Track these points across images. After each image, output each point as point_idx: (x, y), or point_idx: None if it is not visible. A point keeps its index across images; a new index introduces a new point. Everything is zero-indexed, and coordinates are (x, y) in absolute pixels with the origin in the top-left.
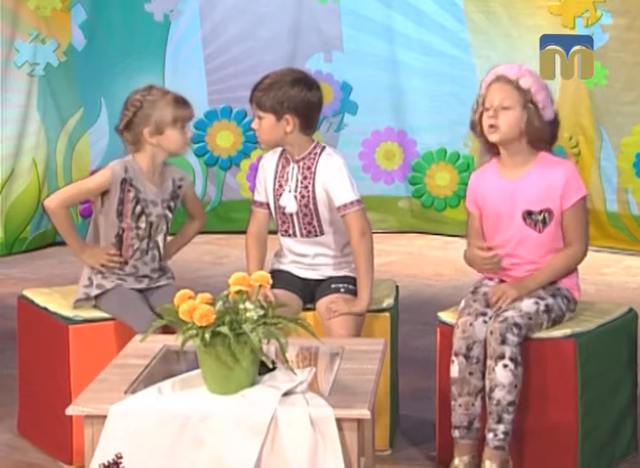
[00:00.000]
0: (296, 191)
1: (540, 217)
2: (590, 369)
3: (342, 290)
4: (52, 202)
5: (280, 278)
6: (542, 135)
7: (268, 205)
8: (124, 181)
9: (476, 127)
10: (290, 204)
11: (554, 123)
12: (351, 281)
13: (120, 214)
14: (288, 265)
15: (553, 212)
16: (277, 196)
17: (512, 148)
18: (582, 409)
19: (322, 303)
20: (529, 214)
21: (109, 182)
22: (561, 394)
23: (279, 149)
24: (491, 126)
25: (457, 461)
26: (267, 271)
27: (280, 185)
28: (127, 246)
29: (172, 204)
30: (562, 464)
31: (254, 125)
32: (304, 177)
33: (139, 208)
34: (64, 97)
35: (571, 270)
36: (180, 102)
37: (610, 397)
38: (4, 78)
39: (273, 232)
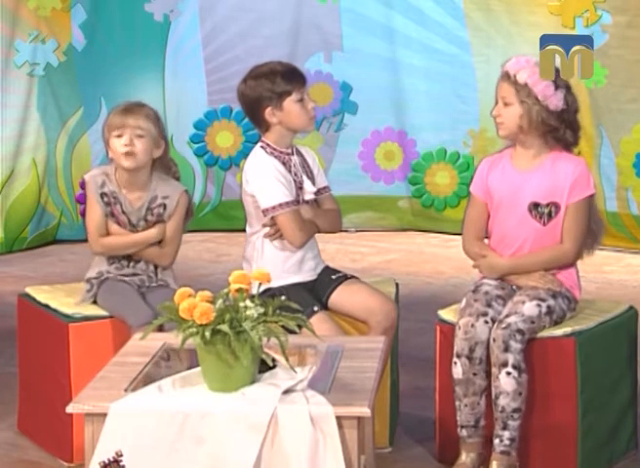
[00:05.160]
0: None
1: (547, 211)
2: (590, 366)
3: (349, 276)
4: (93, 246)
5: (307, 297)
6: (551, 126)
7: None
8: (104, 196)
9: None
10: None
11: (569, 110)
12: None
13: (122, 225)
14: (306, 274)
15: (560, 206)
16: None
17: (526, 142)
18: (583, 407)
19: (340, 297)
20: (535, 206)
21: (96, 200)
22: (561, 392)
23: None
24: (498, 122)
25: (464, 457)
26: (282, 287)
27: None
28: None
29: (149, 221)
30: (562, 461)
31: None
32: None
33: (127, 220)
34: (64, 97)
35: (554, 266)
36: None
37: (610, 394)
38: (4, 78)
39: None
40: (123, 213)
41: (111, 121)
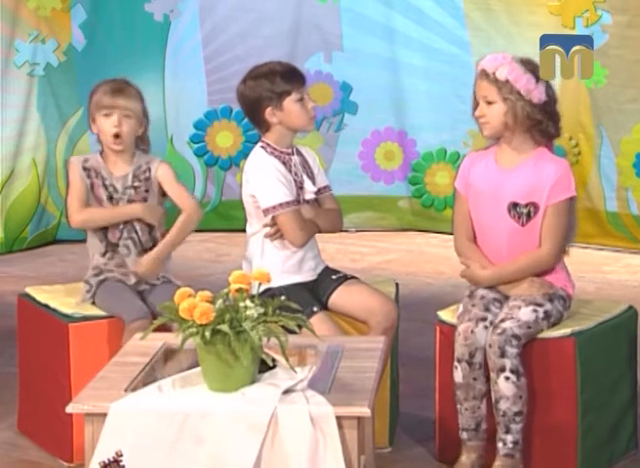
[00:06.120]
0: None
1: (526, 211)
2: (590, 367)
3: (349, 276)
4: (73, 218)
5: (307, 297)
6: (535, 119)
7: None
8: (86, 170)
9: (477, 121)
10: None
11: (550, 102)
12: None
13: (97, 200)
14: (306, 274)
15: (539, 206)
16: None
17: (512, 139)
18: (583, 407)
19: (340, 297)
20: (514, 205)
21: (79, 173)
22: (561, 392)
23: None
24: (482, 122)
25: (464, 458)
26: (282, 287)
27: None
28: (112, 230)
29: (137, 188)
30: (562, 461)
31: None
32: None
33: (106, 193)
34: (64, 97)
35: (535, 272)
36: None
37: (610, 394)
38: (4, 78)
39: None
40: (103, 186)
41: (101, 100)
